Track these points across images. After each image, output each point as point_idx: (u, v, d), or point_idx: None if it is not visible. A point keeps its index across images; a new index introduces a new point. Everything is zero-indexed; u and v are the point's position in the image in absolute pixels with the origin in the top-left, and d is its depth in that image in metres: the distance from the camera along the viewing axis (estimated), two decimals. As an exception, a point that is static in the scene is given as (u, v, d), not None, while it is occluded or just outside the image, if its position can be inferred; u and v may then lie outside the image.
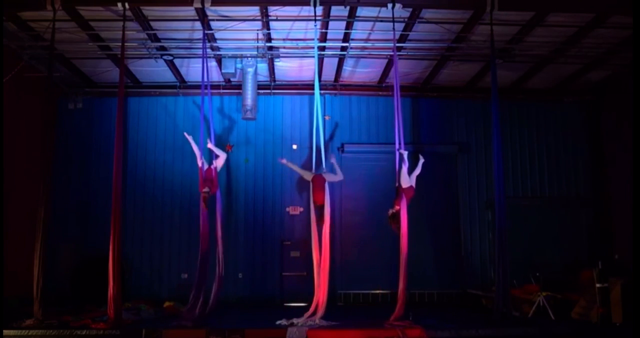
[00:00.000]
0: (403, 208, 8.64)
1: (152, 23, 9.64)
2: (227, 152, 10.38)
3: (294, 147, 12.20)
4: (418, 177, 9.18)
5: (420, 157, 9.57)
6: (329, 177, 9.22)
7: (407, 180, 8.83)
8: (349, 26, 9.64)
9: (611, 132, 12.04)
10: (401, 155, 8.87)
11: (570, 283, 9.96)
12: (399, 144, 8.91)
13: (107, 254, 8.33)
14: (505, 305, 8.47)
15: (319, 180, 9.04)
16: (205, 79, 9.77)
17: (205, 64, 9.70)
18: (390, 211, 8.82)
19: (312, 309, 8.52)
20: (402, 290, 8.45)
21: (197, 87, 11.62)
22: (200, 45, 9.87)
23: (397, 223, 8.65)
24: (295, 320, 8.21)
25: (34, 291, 8.32)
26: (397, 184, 8.94)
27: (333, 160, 9.59)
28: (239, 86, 11.33)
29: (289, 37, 10.23)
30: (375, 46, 10.40)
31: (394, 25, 8.92)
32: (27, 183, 10.08)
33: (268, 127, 12.34)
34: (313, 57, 9.48)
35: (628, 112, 9.86)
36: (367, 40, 10.25)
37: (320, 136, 9.03)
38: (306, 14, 9.16)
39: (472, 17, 9.29)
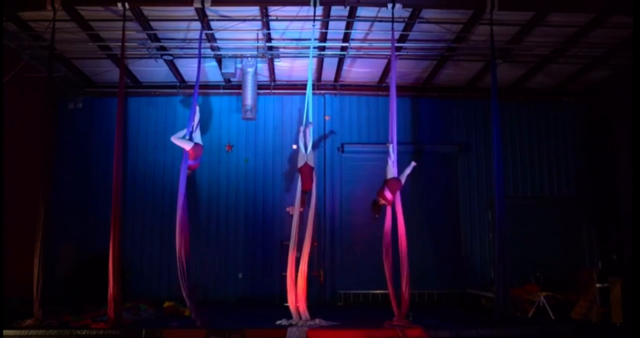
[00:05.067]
0: (387, 203, 8.70)
1: (152, 23, 9.63)
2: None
3: (294, 147, 12.17)
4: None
5: (412, 162, 9.33)
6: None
7: (390, 173, 8.82)
8: (348, 26, 9.64)
9: (611, 132, 12.03)
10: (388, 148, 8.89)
11: (570, 283, 9.95)
12: (391, 138, 8.91)
13: (107, 254, 8.32)
14: (505, 305, 8.46)
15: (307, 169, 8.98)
16: (201, 78, 9.69)
17: (200, 63, 9.60)
18: (374, 200, 8.98)
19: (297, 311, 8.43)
20: (406, 288, 8.46)
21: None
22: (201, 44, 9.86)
23: (377, 211, 8.89)
24: (294, 321, 8.21)
25: (34, 291, 8.30)
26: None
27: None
28: (239, 86, 11.34)
29: (289, 37, 10.23)
30: (375, 46, 10.39)
31: (392, 25, 8.92)
32: (27, 183, 10.07)
33: (268, 127, 12.34)
34: (313, 56, 9.45)
35: (628, 112, 9.86)
36: (366, 40, 10.24)
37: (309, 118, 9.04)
38: (306, 14, 9.15)
39: (472, 17, 9.28)
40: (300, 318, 8.29)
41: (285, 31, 9.97)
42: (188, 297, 8.61)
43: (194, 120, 9.21)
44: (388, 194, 8.67)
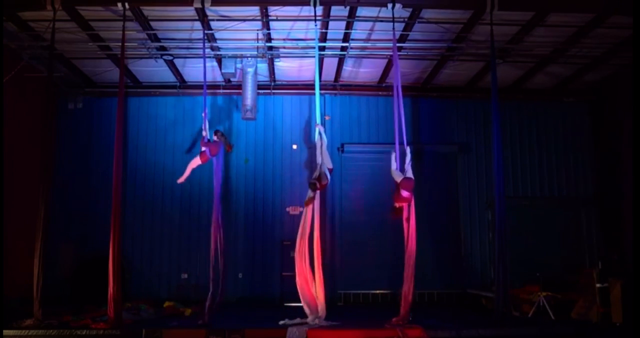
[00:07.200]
0: (406, 202, 8.55)
1: (152, 23, 9.64)
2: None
3: (294, 147, 12.21)
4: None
5: (406, 147, 8.96)
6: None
7: (397, 175, 8.75)
8: (349, 26, 9.64)
9: (611, 132, 12.03)
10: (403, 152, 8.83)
11: (570, 283, 9.96)
12: (404, 141, 8.82)
13: (107, 254, 8.33)
14: (505, 305, 8.46)
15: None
16: (201, 78, 9.71)
17: (205, 64, 9.66)
18: (392, 206, 8.84)
19: (314, 310, 8.41)
20: (409, 289, 8.39)
21: (197, 87, 11.67)
22: (200, 45, 9.86)
23: (397, 215, 8.70)
24: (299, 320, 8.21)
25: (34, 291, 8.31)
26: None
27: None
28: (239, 86, 11.34)
29: (289, 37, 10.23)
30: (375, 46, 10.40)
31: (393, 25, 8.92)
32: (27, 183, 10.07)
33: (268, 127, 12.34)
34: (313, 57, 9.45)
35: (628, 112, 9.87)
36: (367, 40, 10.25)
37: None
38: (306, 14, 9.16)
39: (472, 17, 9.29)
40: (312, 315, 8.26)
41: (286, 31, 9.97)
42: (212, 295, 8.75)
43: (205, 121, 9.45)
44: (405, 193, 8.52)
